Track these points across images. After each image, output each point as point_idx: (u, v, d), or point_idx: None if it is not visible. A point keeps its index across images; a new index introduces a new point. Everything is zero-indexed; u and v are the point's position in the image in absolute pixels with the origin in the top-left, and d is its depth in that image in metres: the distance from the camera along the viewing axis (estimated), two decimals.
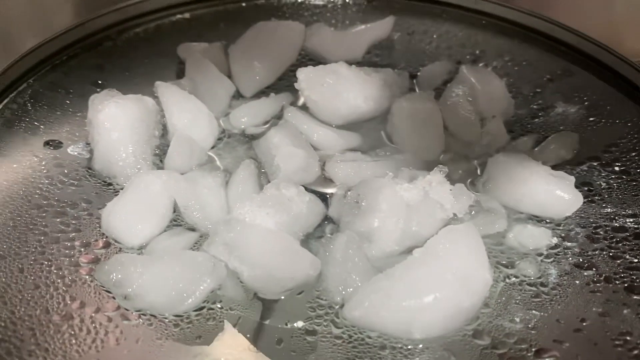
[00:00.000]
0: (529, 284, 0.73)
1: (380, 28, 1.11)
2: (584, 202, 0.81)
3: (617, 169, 0.87)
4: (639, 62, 0.98)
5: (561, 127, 0.94)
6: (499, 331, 0.68)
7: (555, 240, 0.78)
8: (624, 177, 0.85)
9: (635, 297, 0.71)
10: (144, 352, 0.65)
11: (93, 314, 0.67)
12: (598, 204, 0.82)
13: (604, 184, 0.85)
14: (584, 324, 0.69)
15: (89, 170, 0.84)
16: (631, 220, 0.80)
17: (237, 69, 1.00)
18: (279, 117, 0.94)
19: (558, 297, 0.72)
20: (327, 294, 0.71)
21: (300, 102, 0.96)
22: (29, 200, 0.79)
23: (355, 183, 0.81)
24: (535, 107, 0.98)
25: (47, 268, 0.71)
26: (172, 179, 0.80)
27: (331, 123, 0.93)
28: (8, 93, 0.93)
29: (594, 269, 0.75)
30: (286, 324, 0.69)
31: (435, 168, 0.79)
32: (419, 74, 1.03)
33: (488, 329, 0.69)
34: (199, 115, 0.89)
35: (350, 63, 0.96)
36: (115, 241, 0.76)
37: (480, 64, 1.05)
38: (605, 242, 0.78)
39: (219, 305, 0.70)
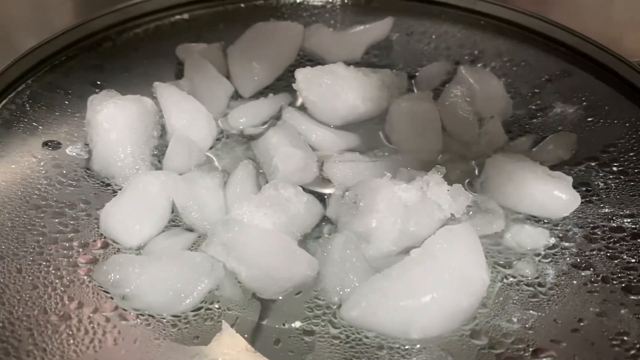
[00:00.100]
0: (527, 284, 0.73)
1: (378, 29, 1.11)
2: (582, 203, 0.81)
3: (615, 169, 0.87)
4: (638, 63, 0.98)
5: (559, 128, 0.94)
6: (496, 331, 0.68)
7: (552, 241, 0.78)
8: (622, 177, 0.85)
9: (632, 297, 0.71)
10: (141, 352, 0.65)
11: (91, 314, 0.67)
12: (596, 204, 0.82)
13: (601, 184, 0.85)
14: (582, 324, 0.69)
15: (88, 171, 0.84)
16: (629, 220, 0.80)
17: (236, 69, 1.00)
18: (277, 117, 0.94)
19: (555, 297, 0.72)
20: (325, 294, 0.71)
21: (299, 102, 0.96)
22: (28, 201, 0.79)
23: (353, 183, 0.81)
24: (533, 107, 0.98)
25: (46, 268, 0.71)
26: (170, 180, 0.80)
27: (329, 123, 0.93)
28: (7, 94, 0.93)
29: (591, 269, 0.75)
30: (284, 324, 0.69)
31: (433, 168, 0.79)
32: (417, 74, 1.04)
33: (485, 329, 0.69)
34: (198, 116, 0.89)
35: (348, 63, 0.96)
36: (114, 242, 0.76)
37: (479, 65, 1.06)
38: (603, 242, 0.78)
39: (216, 306, 0.70)
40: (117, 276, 0.69)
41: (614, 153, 0.89)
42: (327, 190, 0.84)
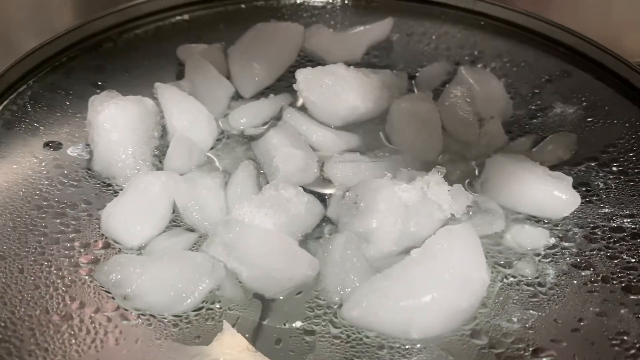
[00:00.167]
0: (527, 284, 0.73)
1: (379, 29, 1.11)
2: (582, 203, 0.81)
3: (614, 169, 0.87)
4: (637, 63, 0.98)
5: (559, 128, 0.94)
6: (496, 331, 0.69)
7: (552, 241, 0.78)
8: (622, 177, 0.86)
9: (632, 297, 0.72)
10: (143, 352, 0.65)
11: (93, 314, 0.68)
12: (596, 204, 0.82)
13: (601, 185, 0.85)
14: (582, 323, 0.69)
15: (89, 171, 0.84)
16: (629, 220, 0.80)
17: (236, 70, 1.01)
18: (278, 118, 0.94)
19: (555, 297, 0.72)
20: (326, 294, 0.71)
21: (299, 103, 0.96)
22: (29, 201, 0.79)
23: (353, 184, 0.81)
24: (533, 107, 0.98)
25: (47, 269, 0.72)
26: (171, 180, 0.80)
27: (330, 124, 0.93)
28: (8, 94, 0.93)
29: (591, 269, 0.75)
30: (285, 324, 0.69)
31: (433, 169, 0.79)
32: (417, 75, 1.04)
33: (486, 329, 0.69)
34: (199, 117, 0.89)
35: (349, 64, 0.96)
36: (115, 242, 0.76)
37: (479, 65, 1.06)
38: (603, 242, 0.78)
39: (217, 306, 0.70)
40: (119, 276, 0.69)
41: (613, 153, 0.89)
42: (327, 191, 0.84)
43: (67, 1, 1.23)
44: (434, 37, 1.12)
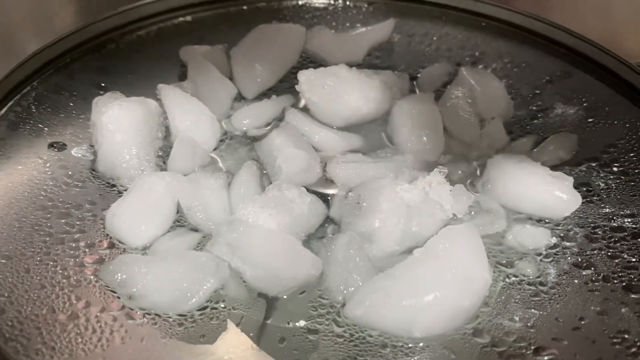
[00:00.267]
0: (528, 284, 0.74)
1: (380, 30, 1.11)
2: (583, 203, 0.81)
3: (615, 169, 0.87)
4: (638, 64, 0.99)
5: (560, 129, 0.94)
6: (498, 330, 0.69)
7: (554, 240, 0.79)
8: (623, 177, 0.86)
9: (633, 295, 0.72)
10: (148, 351, 0.66)
11: (98, 314, 0.68)
12: (596, 204, 0.83)
13: (602, 185, 0.85)
14: (583, 322, 0.70)
15: (93, 172, 0.85)
16: (629, 220, 0.81)
17: (239, 71, 1.01)
18: (280, 119, 0.94)
19: (557, 296, 0.73)
20: (329, 294, 0.72)
21: (302, 104, 0.97)
22: (34, 202, 0.80)
23: (356, 184, 0.81)
24: (534, 108, 0.98)
25: (53, 268, 0.72)
26: (175, 181, 0.80)
27: (332, 125, 0.93)
28: (12, 96, 0.93)
29: (592, 269, 0.75)
30: (288, 323, 0.69)
31: (435, 169, 0.79)
32: (419, 75, 1.04)
33: (488, 328, 0.69)
34: (202, 118, 0.90)
35: (350, 65, 0.96)
36: (120, 242, 0.76)
37: (480, 66, 1.06)
38: (604, 241, 0.78)
39: (222, 305, 0.70)
40: (124, 276, 0.70)
41: (614, 153, 0.90)
42: (330, 191, 0.85)
43: (68, 2, 1.24)
44: (435, 38, 1.12)
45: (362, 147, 0.92)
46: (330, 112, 0.93)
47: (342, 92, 0.92)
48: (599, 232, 0.80)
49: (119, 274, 0.70)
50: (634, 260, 0.76)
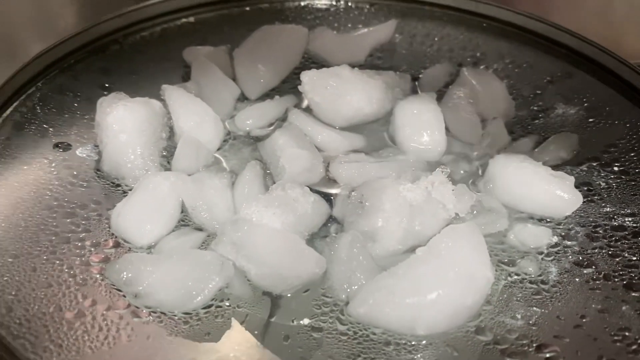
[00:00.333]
0: (530, 282, 0.74)
1: (382, 31, 1.12)
2: (584, 202, 0.82)
3: (616, 169, 0.88)
4: (638, 64, 0.99)
5: (561, 129, 0.95)
6: (500, 327, 0.70)
7: (555, 239, 0.79)
8: (623, 177, 0.87)
9: (633, 294, 0.73)
10: (154, 349, 0.66)
11: (105, 312, 0.69)
12: (597, 203, 0.83)
13: (603, 184, 0.86)
14: (584, 320, 0.70)
15: (98, 172, 0.85)
16: (630, 219, 0.81)
17: (242, 72, 1.01)
18: (283, 119, 0.95)
19: (558, 294, 0.73)
20: (333, 292, 0.72)
21: (304, 104, 0.97)
22: (40, 201, 0.80)
23: (359, 184, 0.82)
24: (535, 108, 0.99)
25: (59, 267, 0.73)
26: (179, 180, 0.81)
27: (335, 125, 0.94)
28: (18, 96, 0.94)
29: (593, 267, 0.76)
30: (293, 321, 0.70)
31: (437, 169, 0.80)
32: (420, 76, 1.04)
33: (490, 326, 0.70)
34: (205, 118, 0.90)
35: (353, 66, 0.96)
36: (125, 241, 0.77)
37: (481, 67, 1.07)
38: (605, 240, 0.79)
39: (227, 303, 0.71)
40: (130, 274, 0.70)
41: (614, 153, 0.90)
42: (333, 191, 0.85)
43: (70, 4, 1.24)
44: (436, 39, 1.13)
45: (365, 147, 0.92)
46: (332, 113, 0.93)
47: (345, 92, 0.92)
48: (600, 231, 0.80)
49: (125, 273, 0.71)
50: (634, 258, 0.76)
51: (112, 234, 0.78)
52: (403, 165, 0.86)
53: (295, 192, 0.79)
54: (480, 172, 0.88)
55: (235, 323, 0.69)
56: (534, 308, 0.72)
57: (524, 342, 0.68)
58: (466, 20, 1.15)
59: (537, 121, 0.97)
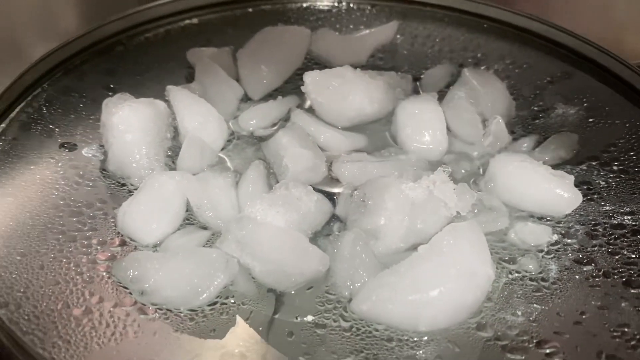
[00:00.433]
0: (530, 279, 0.75)
1: (384, 32, 1.13)
2: (584, 201, 0.82)
3: (615, 168, 0.89)
4: (637, 65, 1.00)
5: (561, 128, 0.95)
6: (501, 324, 0.70)
7: (555, 237, 0.80)
8: (622, 176, 0.87)
9: (632, 290, 0.74)
10: (161, 345, 0.67)
11: (112, 309, 0.70)
12: (597, 202, 0.84)
13: (602, 183, 0.87)
14: (584, 316, 0.71)
15: (103, 172, 0.86)
16: (629, 217, 0.82)
17: (245, 72, 1.02)
18: (286, 119, 0.96)
19: (558, 291, 0.74)
20: (336, 289, 0.73)
21: (307, 104, 0.98)
22: (46, 201, 0.81)
23: (361, 183, 0.83)
24: (535, 108, 1.00)
25: (66, 265, 0.74)
26: (184, 180, 0.82)
27: (337, 125, 0.95)
28: (24, 97, 0.95)
29: (593, 265, 0.77)
30: (296, 318, 0.71)
31: (439, 168, 0.81)
32: (422, 77, 1.05)
33: (491, 322, 0.71)
34: (209, 118, 0.91)
35: (355, 66, 0.97)
36: (131, 239, 0.78)
37: (482, 67, 1.07)
38: (604, 238, 0.80)
39: (232, 300, 0.72)
40: (136, 272, 0.71)
41: (614, 153, 0.91)
42: (336, 190, 0.86)
43: (73, 5, 1.25)
44: (437, 40, 1.14)
45: (367, 146, 0.93)
46: (335, 113, 0.94)
47: (347, 93, 0.93)
48: (600, 229, 0.81)
49: (131, 271, 0.72)
50: (633, 256, 0.77)
51: (118, 233, 0.79)
52: (405, 165, 0.86)
53: (299, 191, 0.79)
54: (481, 171, 0.89)
55: (240, 320, 0.70)
56: (534, 305, 0.72)
57: (525, 338, 0.69)
58: (467, 21, 1.16)
59: (537, 121, 0.97)
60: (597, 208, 0.83)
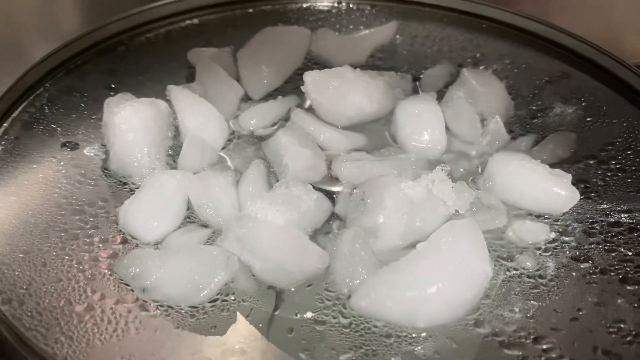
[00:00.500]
0: (528, 276, 0.76)
1: (383, 32, 1.13)
2: (581, 199, 0.83)
3: (612, 167, 0.89)
4: (636, 65, 1.00)
5: (559, 127, 0.96)
6: (499, 320, 0.71)
7: (553, 235, 0.80)
8: (620, 174, 0.88)
9: (629, 287, 0.74)
10: (162, 341, 0.68)
11: (113, 305, 0.70)
12: (594, 200, 0.85)
13: (600, 182, 0.87)
14: (580, 313, 0.72)
15: (105, 171, 0.87)
16: (626, 215, 0.83)
17: (246, 72, 1.03)
18: (286, 119, 0.96)
19: (555, 288, 0.74)
20: (335, 286, 0.74)
21: (307, 104, 0.98)
22: (49, 199, 0.82)
23: (360, 181, 0.83)
24: (534, 108, 1.00)
25: (69, 262, 0.74)
26: (185, 179, 0.82)
27: (337, 124, 0.95)
28: (26, 97, 0.95)
29: (590, 262, 0.77)
30: (296, 315, 0.71)
31: (437, 167, 0.81)
32: (421, 76, 1.06)
33: (489, 319, 0.71)
34: (210, 118, 0.92)
35: (354, 66, 0.98)
36: (132, 237, 0.78)
37: (481, 67, 1.08)
38: (601, 236, 0.80)
39: (232, 297, 0.72)
40: (138, 270, 0.72)
41: (611, 151, 0.91)
42: (335, 188, 0.86)
43: (75, 6, 1.26)
44: (437, 40, 1.14)
45: (366, 146, 0.93)
46: (334, 112, 0.95)
47: (347, 92, 0.94)
48: (597, 227, 0.81)
49: (133, 268, 0.72)
50: (630, 253, 0.78)
51: (120, 231, 0.79)
52: (404, 164, 0.87)
53: (299, 190, 0.80)
54: (479, 170, 0.89)
55: (240, 316, 0.70)
56: (532, 302, 0.73)
57: (522, 334, 0.70)
58: (466, 22, 1.16)
59: (535, 120, 0.98)
60: (595, 206, 0.84)
